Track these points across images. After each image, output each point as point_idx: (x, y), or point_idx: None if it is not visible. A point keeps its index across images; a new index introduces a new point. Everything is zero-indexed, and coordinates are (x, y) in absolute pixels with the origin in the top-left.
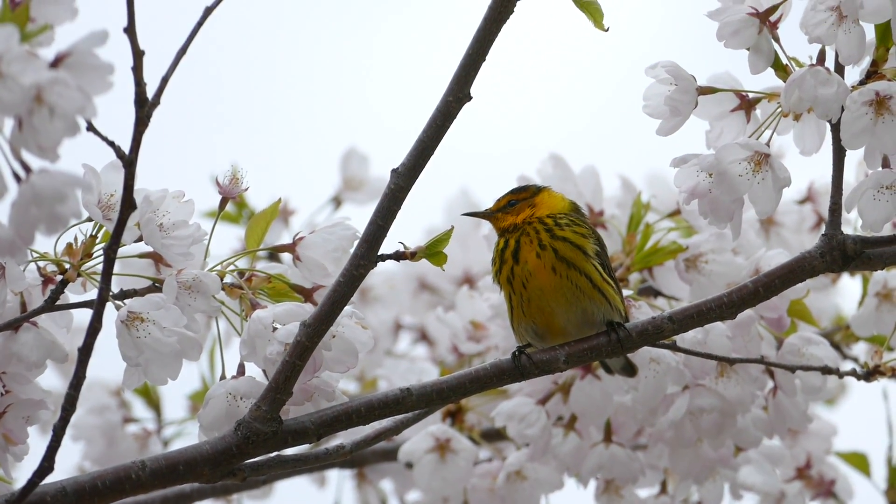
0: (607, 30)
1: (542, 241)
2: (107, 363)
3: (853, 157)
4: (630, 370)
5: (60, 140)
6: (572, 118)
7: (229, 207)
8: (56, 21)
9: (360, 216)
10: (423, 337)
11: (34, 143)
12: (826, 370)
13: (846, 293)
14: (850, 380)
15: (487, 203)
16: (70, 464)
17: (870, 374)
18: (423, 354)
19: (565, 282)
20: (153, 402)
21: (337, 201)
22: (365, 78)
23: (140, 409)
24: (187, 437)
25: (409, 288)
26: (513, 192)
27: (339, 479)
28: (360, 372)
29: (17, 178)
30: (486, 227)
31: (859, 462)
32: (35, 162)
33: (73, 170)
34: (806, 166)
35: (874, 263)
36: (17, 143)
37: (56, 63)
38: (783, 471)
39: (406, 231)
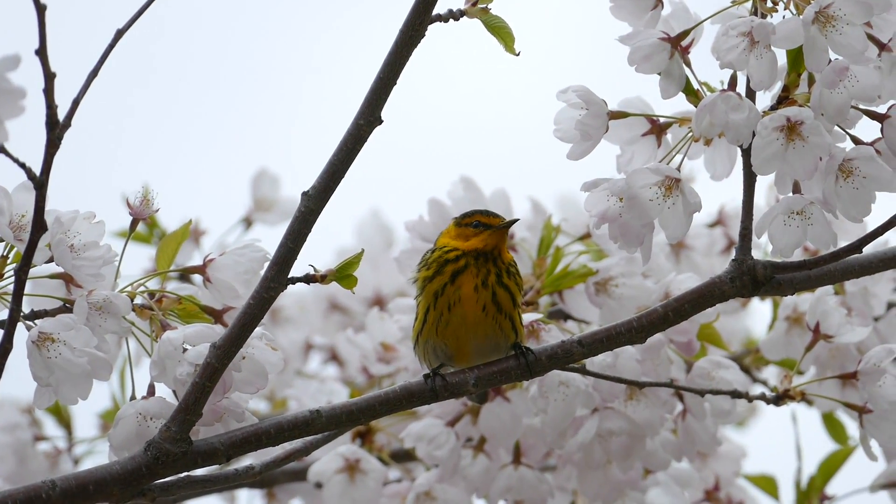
0: (518, 54)
1: (487, 280)
2: (17, 381)
3: (763, 181)
4: (483, 397)
5: None
6: (484, 141)
7: (140, 227)
8: None
9: (270, 237)
10: (334, 357)
11: None
12: (735, 394)
13: (756, 315)
14: (760, 403)
15: (397, 225)
16: None
17: (779, 398)
18: (334, 375)
19: (490, 322)
20: (64, 421)
21: (248, 222)
22: (278, 99)
23: (51, 427)
24: (98, 455)
25: (319, 308)
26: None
27: (249, 499)
28: (271, 392)
29: None
30: (398, 248)
31: (767, 485)
32: None
33: None
34: (716, 189)
35: (784, 289)
36: None
37: None
38: (692, 493)
39: (316, 252)
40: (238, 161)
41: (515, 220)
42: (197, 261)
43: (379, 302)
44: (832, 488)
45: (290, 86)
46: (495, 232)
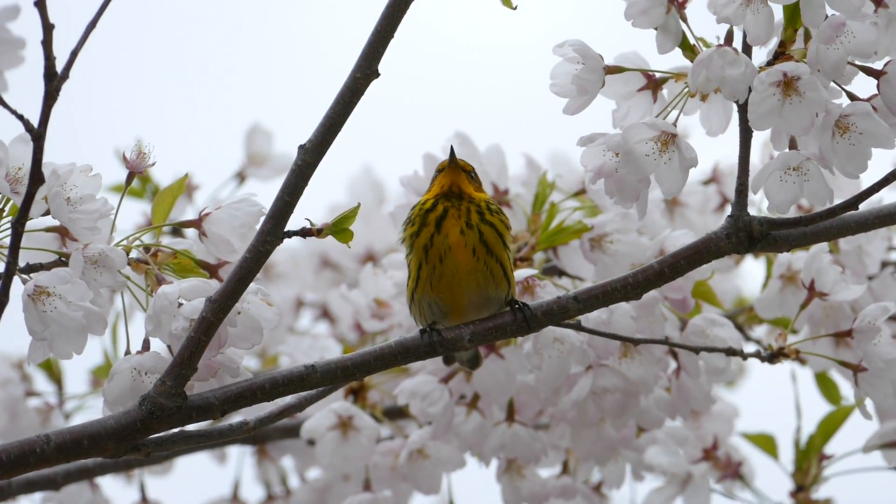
0: (515, 8)
1: (470, 220)
2: (7, 336)
3: (758, 139)
4: (475, 362)
5: None
6: (479, 96)
7: (133, 182)
8: None
9: (264, 192)
10: (325, 314)
11: None
12: (730, 352)
13: (747, 275)
14: (751, 362)
15: (391, 181)
16: None
17: (773, 356)
18: (325, 332)
19: (481, 266)
20: (55, 376)
21: (241, 177)
22: (273, 52)
23: (42, 382)
24: (89, 411)
25: (311, 265)
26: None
27: (240, 456)
28: (262, 348)
29: None
30: (391, 204)
31: (766, 444)
32: None
33: None
34: (710, 146)
35: (780, 245)
36: None
37: None
38: (689, 452)
39: (309, 208)
40: (231, 116)
41: (451, 149)
42: (190, 215)
43: (371, 258)
44: (831, 448)
45: (285, 39)
46: (442, 171)
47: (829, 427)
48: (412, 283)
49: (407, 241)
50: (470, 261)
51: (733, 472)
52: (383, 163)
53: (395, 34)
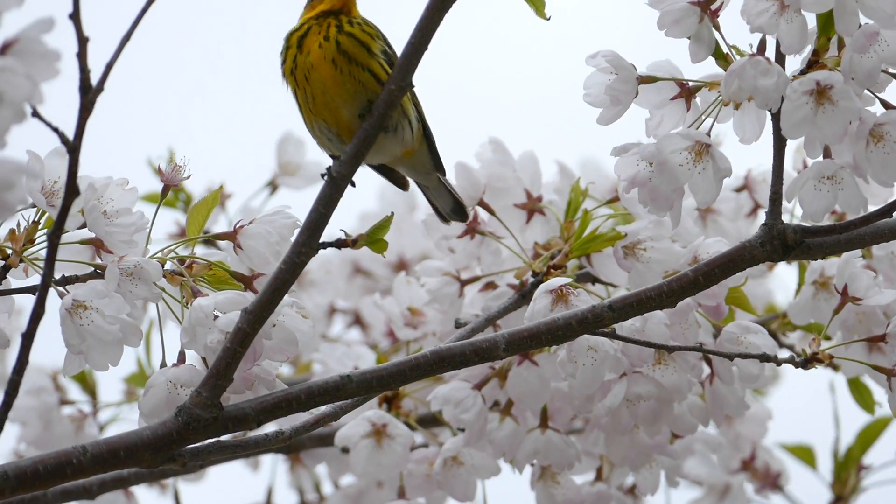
0: (549, 18)
1: (328, 34)
2: (39, 346)
3: (791, 145)
4: (461, 213)
5: (8, 128)
6: (512, 104)
7: None
8: (3, 8)
9: (296, 201)
10: (357, 321)
11: None
12: (765, 358)
13: (779, 281)
14: (781, 370)
15: (419, 190)
16: (5, 447)
17: (807, 361)
18: (357, 338)
19: (347, 77)
20: (88, 386)
21: (273, 186)
22: None
23: (75, 391)
24: (123, 421)
25: (343, 272)
26: None
27: (273, 463)
28: (296, 356)
29: None
30: (423, 211)
31: (805, 455)
32: None
33: (19, 157)
34: (743, 153)
35: (814, 253)
36: None
37: (3, 50)
38: (725, 461)
39: (339, 216)
40: (263, 124)
41: None
42: (223, 225)
43: (402, 266)
44: (869, 458)
45: None
46: None
47: (867, 437)
48: (301, 115)
49: (282, 72)
50: (334, 74)
51: (772, 482)
52: None
53: (430, 47)
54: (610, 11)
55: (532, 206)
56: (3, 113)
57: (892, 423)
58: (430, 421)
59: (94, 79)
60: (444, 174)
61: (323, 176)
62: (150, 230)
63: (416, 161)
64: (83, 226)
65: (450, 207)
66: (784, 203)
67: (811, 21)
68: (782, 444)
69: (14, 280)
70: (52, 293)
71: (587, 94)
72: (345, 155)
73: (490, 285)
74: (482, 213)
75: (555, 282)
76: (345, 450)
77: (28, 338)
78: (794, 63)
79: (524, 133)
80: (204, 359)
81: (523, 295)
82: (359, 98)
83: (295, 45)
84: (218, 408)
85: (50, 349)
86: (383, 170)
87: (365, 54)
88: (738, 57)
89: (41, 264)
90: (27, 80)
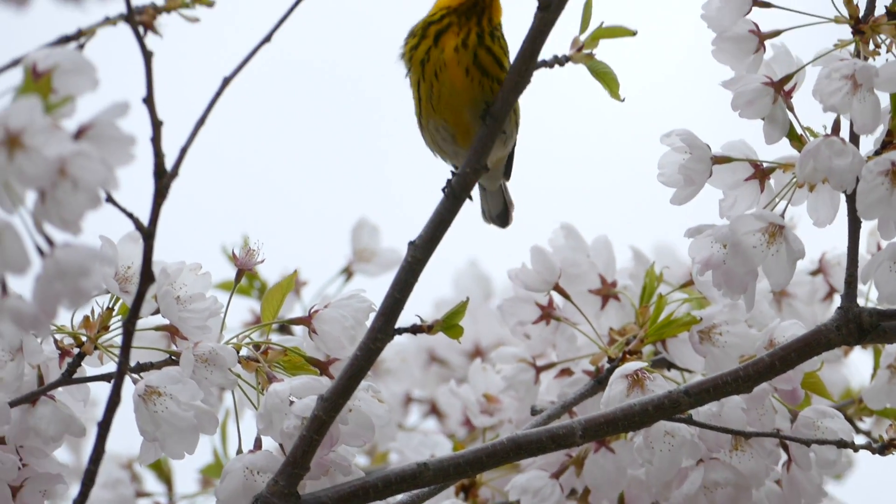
0: (623, 100)
1: (468, 40)
2: (116, 435)
3: (866, 227)
4: (505, 218)
5: (84, 213)
6: (585, 186)
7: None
8: (78, 92)
9: (371, 287)
10: (434, 410)
11: (57, 217)
12: (841, 444)
13: (855, 365)
14: (857, 456)
15: (498, 275)
16: None
17: (885, 447)
18: (434, 428)
19: (477, 85)
20: (165, 476)
21: (348, 272)
22: (382, 148)
23: (151, 482)
24: None
25: (419, 360)
26: None
27: None
28: (372, 445)
29: (40, 252)
30: (498, 298)
31: None
32: (57, 235)
33: (93, 243)
34: (817, 236)
35: (890, 336)
36: (40, 216)
37: (79, 135)
38: None
39: (414, 303)
40: (336, 210)
41: None
42: (298, 312)
43: (478, 353)
44: None
45: (394, 135)
46: None
47: None
48: (417, 107)
49: (406, 55)
50: (464, 80)
51: None
52: (489, 256)
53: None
54: (684, 92)
55: (607, 292)
56: (78, 199)
57: None
58: None
59: (169, 163)
60: (508, 180)
61: (443, 190)
62: (225, 316)
63: (499, 166)
64: (157, 311)
65: (497, 212)
66: (859, 286)
67: (884, 100)
68: None
69: (89, 368)
70: (127, 381)
71: (661, 174)
72: (420, 240)
73: (565, 371)
74: (557, 299)
75: (630, 366)
76: None
77: (104, 427)
78: (867, 143)
79: (598, 217)
80: (281, 445)
81: (599, 381)
82: (481, 102)
83: (432, 37)
84: (295, 497)
85: (127, 438)
86: None
87: (497, 69)
88: (811, 138)
89: (116, 352)
90: (102, 166)
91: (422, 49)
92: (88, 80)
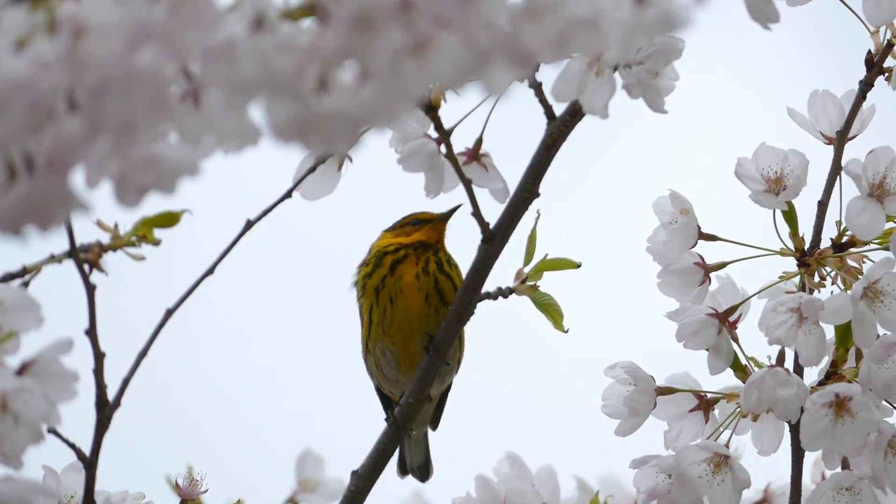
0: (567, 331)
1: (427, 268)
2: None
3: (810, 456)
4: (426, 471)
5: (25, 448)
6: (529, 415)
7: None
8: (22, 329)
9: None
10: None
11: None
12: None
13: None
14: None
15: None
16: None
17: None
18: None
19: (432, 312)
20: None
21: (292, 503)
22: (319, 382)
23: None
24: None
25: None
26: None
27: None
28: None
29: None
30: None
31: None
32: None
33: (34, 475)
34: (762, 465)
35: None
36: None
37: (22, 370)
38: None
39: None
40: (280, 438)
41: (458, 207)
42: None
43: None
44: None
45: (332, 363)
46: (437, 224)
47: None
48: (365, 331)
49: (359, 283)
50: (422, 305)
51: None
52: (435, 486)
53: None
54: (628, 323)
55: None
56: (20, 434)
57: None
58: None
59: (111, 394)
60: (435, 429)
61: (386, 420)
62: None
63: (430, 406)
64: None
65: (418, 464)
66: None
67: (829, 332)
68: None
69: None
70: None
71: (605, 406)
72: (363, 469)
73: None
74: None
75: None
76: None
77: None
78: (811, 374)
79: (541, 445)
80: None
81: None
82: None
83: (388, 266)
84: None
85: None
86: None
87: (454, 295)
88: (756, 368)
89: None
90: (45, 402)
91: (376, 277)
92: (33, 317)
